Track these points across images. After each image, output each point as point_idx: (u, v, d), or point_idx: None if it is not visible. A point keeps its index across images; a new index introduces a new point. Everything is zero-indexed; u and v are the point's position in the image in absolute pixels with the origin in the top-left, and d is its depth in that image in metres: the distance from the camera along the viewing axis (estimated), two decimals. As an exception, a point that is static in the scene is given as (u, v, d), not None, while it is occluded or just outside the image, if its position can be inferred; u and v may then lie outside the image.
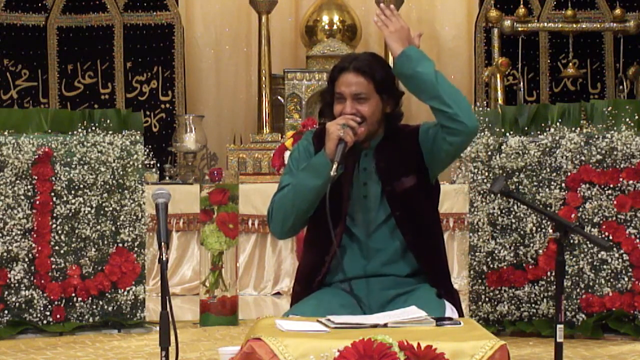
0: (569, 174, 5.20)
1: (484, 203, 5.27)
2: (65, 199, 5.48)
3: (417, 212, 3.83)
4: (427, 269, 3.83)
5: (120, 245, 5.59)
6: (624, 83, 8.44)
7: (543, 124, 5.28)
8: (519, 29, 8.32)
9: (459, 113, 3.71)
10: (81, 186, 5.51)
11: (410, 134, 3.90)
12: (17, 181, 5.40)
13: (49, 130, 5.54)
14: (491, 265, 5.26)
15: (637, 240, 5.13)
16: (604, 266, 5.15)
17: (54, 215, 5.46)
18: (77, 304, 5.51)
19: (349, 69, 3.79)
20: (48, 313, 5.44)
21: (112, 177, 5.57)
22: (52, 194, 5.46)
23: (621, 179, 5.15)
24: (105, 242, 5.57)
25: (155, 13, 8.54)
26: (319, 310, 3.61)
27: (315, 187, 3.70)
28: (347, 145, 3.68)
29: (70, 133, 5.56)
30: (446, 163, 3.90)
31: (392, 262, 3.82)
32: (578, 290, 5.18)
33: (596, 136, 5.20)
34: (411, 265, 3.84)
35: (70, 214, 5.49)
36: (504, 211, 5.25)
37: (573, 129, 5.24)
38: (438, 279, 3.86)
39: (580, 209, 5.18)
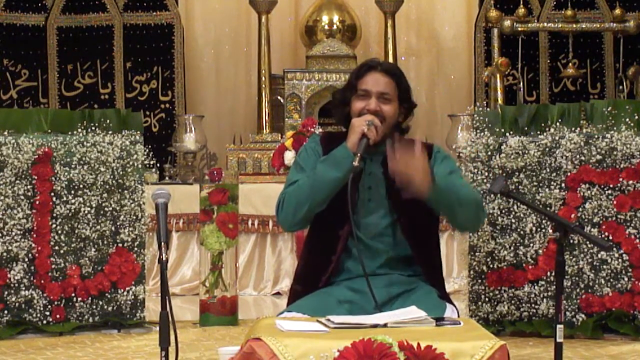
0: (568, 174, 5.20)
1: (483, 203, 5.26)
2: (65, 199, 5.48)
3: (421, 218, 3.88)
4: (426, 272, 3.87)
5: (120, 245, 5.59)
6: (624, 83, 8.44)
7: (543, 124, 5.28)
8: (519, 29, 8.31)
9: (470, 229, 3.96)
10: (81, 186, 5.51)
11: (425, 151, 3.92)
12: (17, 181, 5.40)
13: (49, 130, 5.54)
14: (491, 265, 5.26)
15: (637, 240, 5.13)
16: (604, 266, 5.15)
17: (54, 215, 5.46)
18: (76, 304, 5.51)
19: (378, 69, 3.88)
20: (48, 313, 5.44)
21: (111, 177, 5.57)
22: (52, 194, 5.46)
23: (621, 179, 5.15)
24: (105, 242, 5.57)
25: (155, 13, 8.54)
26: (317, 307, 3.66)
27: (335, 178, 3.75)
28: (369, 142, 3.74)
29: (70, 133, 5.56)
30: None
31: (394, 263, 3.87)
32: (578, 290, 5.17)
33: (596, 136, 5.20)
34: (411, 268, 3.89)
35: (70, 214, 5.49)
36: (503, 211, 5.25)
37: (573, 129, 5.24)
38: (435, 282, 3.91)
39: (580, 209, 5.18)
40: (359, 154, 3.71)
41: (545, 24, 8.42)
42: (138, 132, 5.68)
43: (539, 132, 5.29)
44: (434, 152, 3.95)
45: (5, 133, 5.41)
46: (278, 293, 7.39)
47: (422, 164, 3.63)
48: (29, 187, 5.42)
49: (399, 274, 3.86)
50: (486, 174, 5.26)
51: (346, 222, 3.80)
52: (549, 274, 5.18)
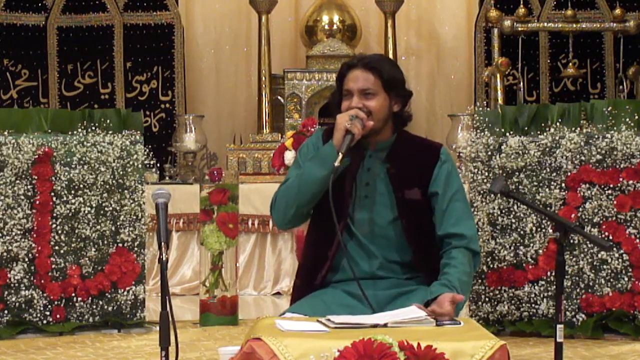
0: (569, 174, 5.20)
1: (484, 203, 5.27)
2: (65, 198, 5.48)
3: (422, 219, 3.85)
4: (427, 277, 3.82)
5: (120, 245, 5.59)
6: (624, 83, 8.44)
7: (543, 124, 5.28)
8: (519, 28, 8.31)
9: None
10: (81, 186, 5.51)
11: (429, 151, 3.92)
12: (17, 181, 5.40)
13: (49, 130, 5.54)
14: (491, 265, 5.26)
15: (637, 240, 5.14)
16: (604, 266, 5.15)
17: (54, 215, 5.46)
18: (77, 304, 5.51)
19: (357, 65, 3.83)
20: (48, 313, 5.44)
21: (112, 177, 5.57)
22: (52, 193, 5.46)
23: (621, 179, 5.15)
24: (105, 242, 5.57)
25: (155, 13, 8.53)
26: (317, 310, 3.65)
27: (320, 177, 3.72)
28: (354, 137, 3.71)
29: (70, 133, 5.56)
30: None
31: (392, 264, 3.83)
32: (578, 290, 5.18)
33: (596, 136, 5.20)
34: (410, 269, 3.85)
35: (70, 214, 5.49)
36: (503, 211, 5.25)
37: (573, 129, 5.24)
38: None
39: (580, 209, 5.18)
40: (340, 154, 3.67)
41: (545, 24, 8.42)
42: (138, 132, 5.68)
43: (539, 132, 5.29)
44: (440, 161, 3.88)
45: (5, 133, 5.41)
46: (278, 293, 7.39)
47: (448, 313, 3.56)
48: (29, 187, 5.43)
49: (397, 278, 3.83)
50: (486, 174, 5.26)
51: (341, 218, 3.77)
52: (549, 274, 5.18)
